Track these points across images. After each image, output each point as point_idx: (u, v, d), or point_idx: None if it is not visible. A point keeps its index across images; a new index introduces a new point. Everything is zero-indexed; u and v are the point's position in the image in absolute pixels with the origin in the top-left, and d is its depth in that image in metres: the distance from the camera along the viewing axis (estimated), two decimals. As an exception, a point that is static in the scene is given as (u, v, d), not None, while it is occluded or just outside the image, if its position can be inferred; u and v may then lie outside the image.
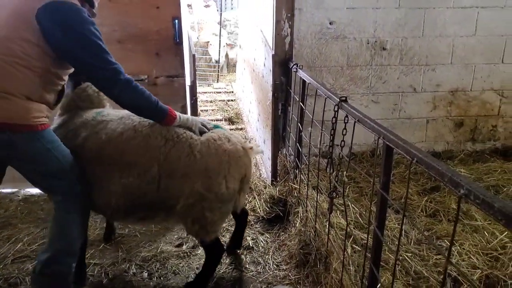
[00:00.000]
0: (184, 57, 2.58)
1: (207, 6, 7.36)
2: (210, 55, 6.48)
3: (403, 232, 2.03)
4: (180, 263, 1.97)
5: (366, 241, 1.35)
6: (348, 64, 2.71)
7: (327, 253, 1.70)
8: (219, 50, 6.47)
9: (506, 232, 1.93)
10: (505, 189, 2.43)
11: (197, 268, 1.93)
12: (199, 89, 5.45)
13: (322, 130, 1.80)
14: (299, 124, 2.25)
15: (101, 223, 2.30)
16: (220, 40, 6.42)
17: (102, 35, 1.45)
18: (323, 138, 1.86)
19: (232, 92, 5.63)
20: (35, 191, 2.66)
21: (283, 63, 2.53)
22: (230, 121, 4.38)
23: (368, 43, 2.68)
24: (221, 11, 6.85)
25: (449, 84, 2.85)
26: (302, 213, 2.05)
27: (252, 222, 2.33)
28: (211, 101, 5.13)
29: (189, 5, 7.06)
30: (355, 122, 1.39)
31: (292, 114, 2.46)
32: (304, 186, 2.11)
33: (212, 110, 4.82)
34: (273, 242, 2.15)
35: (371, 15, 2.62)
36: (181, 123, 1.60)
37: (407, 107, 2.87)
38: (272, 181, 2.65)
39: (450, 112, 2.93)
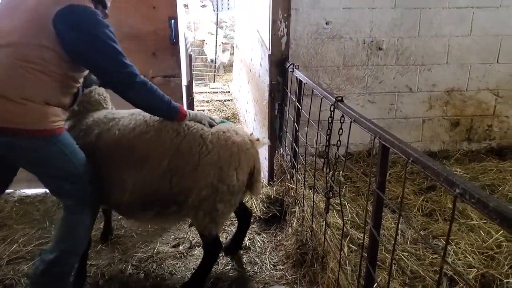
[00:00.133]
0: (181, 57, 2.57)
1: (203, 6, 7.35)
2: (205, 55, 6.48)
3: (399, 231, 2.03)
4: (177, 264, 1.97)
5: (362, 241, 1.35)
6: (344, 64, 2.71)
7: (324, 253, 1.70)
8: (216, 50, 6.46)
9: (502, 231, 1.94)
10: (500, 188, 2.44)
11: (193, 269, 1.92)
12: (195, 89, 5.45)
13: (318, 130, 1.80)
14: (295, 124, 2.25)
15: (97, 223, 2.29)
16: (216, 40, 6.41)
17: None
18: (319, 138, 1.86)
19: (229, 92, 5.63)
20: (31, 192, 2.64)
21: (279, 63, 2.53)
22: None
23: (364, 43, 2.69)
24: (217, 11, 6.84)
25: (445, 84, 2.86)
26: (299, 213, 2.05)
27: (249, 222, 2.33)
28: (207, 101, 5.12)
29: (185, 5, 7.04)
30: (351, 122, 1.39)
31: (288, 114, 2.46)
32: (301, 186, 2.11)
33: (209, 110, 4.81)
34: (270, 242, 2.14)
35: (367, 15, 2.63)
36: (191, 119, 1.64)
37: (403, 107, 2.88)
38: (268, 181, 2.64)
39: (446, 112, 2.94)
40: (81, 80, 1.55)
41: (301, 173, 2.16)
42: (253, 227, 2.28)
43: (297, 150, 2.27)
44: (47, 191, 2.58)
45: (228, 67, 7.07)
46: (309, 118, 1.99)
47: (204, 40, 6.44)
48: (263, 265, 1.96)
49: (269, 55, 2.55)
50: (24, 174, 2.58)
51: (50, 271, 1.47)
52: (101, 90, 1.85)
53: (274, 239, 2.15)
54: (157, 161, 1.56)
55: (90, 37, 1.37)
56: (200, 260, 1.97)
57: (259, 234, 2.22)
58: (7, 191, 2.59)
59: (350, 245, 1.88)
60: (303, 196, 2.04)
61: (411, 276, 1.73)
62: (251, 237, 2.18)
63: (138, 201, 1.62)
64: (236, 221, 2.24)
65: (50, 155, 1.43)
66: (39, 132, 1.38)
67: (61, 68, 1.40)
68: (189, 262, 1.98)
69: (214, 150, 1.55)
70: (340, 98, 1.53)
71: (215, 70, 6.50)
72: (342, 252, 1.50)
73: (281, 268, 1.93)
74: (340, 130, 1.46)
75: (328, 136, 1.59)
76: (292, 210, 2.14)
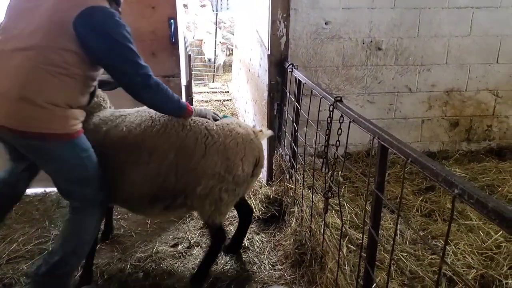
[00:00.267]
0: (180, 57, 2.57)
1: (202, 5, 7.36)
2: (204, 54, 6.47)
3: (398, 232, 2.03)
4: (176, 263, 1.96)
5: (361, 241, 1.34)
6: (343, 64, 2.71)
7: (323, 253, 1.70)
8: (215, 50, 6.46)
9: (501, 232, 1.94)
10: (500, 189, 2.44)
11: (192, 268, 1.92)
12: (194, 89, 5.44)
13: (317, 130, 1.79)
14: (294, 124, 2.24)
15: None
16: (215, 40, 6.40)
17: None
18: (318, 138, 1.86)
19: (228, 92, 5.62)
20: (30, 191, 2.63)
21: (278, 63, 2.53)
22: (226, 121, 4.37)
23: (363, 43, 2.68)
24: (216, 11, 6.84)
25: (444, 84, 2.86)
26: (298, 213, 2.04)
27: (248, 222, 2.32)
28: (207, 101, 5.12)
29: (185, 5, 7.04)
30: (350, 122, 1.39)
31: (287, 114, 2.45)
32: (300, 186, 2.11)
33: (208, 110, 4.80)
34: (269, 242, 2.14)
35: (366, 15, 2.62)
36: (196, 114, 1.68)
37: (403, 107, 2.88)
38: (267, 181, 2.64)
39: (445, 112, 2.94)
40: (98, 78, 1.57)
41: (300, 173, 2.16)
42: (252, 227, 2.27)
43: (296, 150, 2.27)
44: (47, 190, 2.60)
45: (227, 67, 7.07)
46: (308, 118, 1.98)
47: (202, 40, 6.44)
48: (261, 265, 1.95)
49: (268, 55, 2.54)
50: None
51: (53, 272, 1.48)
52: (99, 92, 1.86)
53: (273, 239, 2.15)
54: (163, 154, 1.59)
55: (109, 38, 1.37)
56: (198, 259, 1.98)
57: (258, 234, 2.22)
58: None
59: (349, 245, 1.88)
60: (302, 196, 2.04)
61: (410, 276, 1.73)
62: (249, 237, 2.18)
63: (147, 195, 1.65)
64: (236, 221, 2.25)
65: (66, 158, 1.44)
66: (60, 136, 1.40)
67: (82, 69, 1.41)
68: (188, 262, 1.98)
69: (220, 141, 1.60)
70: (339, 98, 1.52)
71: (214, 70, 6.50)
72: (340, 252, 1.50)
73: (279, 268, 1.93)
74: (339, 130, 1.46)
75: (327, 136, 1.59)
76: (291, 210, 2.13)
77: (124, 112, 1.75)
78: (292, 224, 2.03)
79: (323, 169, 1.67)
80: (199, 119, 1.66)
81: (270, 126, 2.57)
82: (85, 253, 1.61)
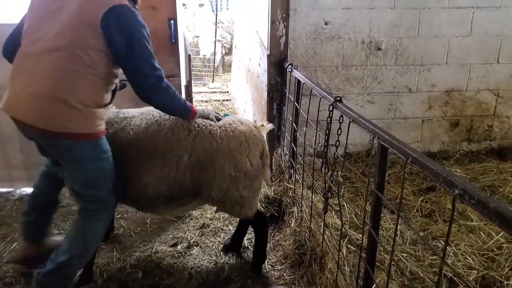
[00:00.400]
0: (180, 57, 2.56)
1: (201, 5, 7.36)
2: (202, 52, 6.47)
3: (398, 232, 2.02)
4: (175, 263, 1.96)
5: (361, 242, 1.34)
6: (343, 64, 2.70)
7: (322, 253, 1.69)
8: (214, 51, 6.46)
9: (502, 233, 1.93)
10: (501, 189, 2.43)
11: (191, 268, 1.92)
12: (194, 89, 5.43)
13: (317, 130, 1.79)
14: (293, 124, 2.24)
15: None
16: (215, 41, 6.40)
17: None
18: (318, 138, 1.85)
19: (227, 92, 5.62)
20: (31, 190, 2.62)
21: (278, 63, 2.52)
22: (226, 121, 4.37)
23: (363, 43, 2.68)
24: (216, 11, 6.84)
25: (444, 84, 2.86)
26: (297, 213, 2.03)
27: (247, 223, 2.32)
28: (206, 101, 5.11)
29: (184, 4, 7.05)
30: (350, 122, 1.38)
31: (287, 113, 2.45)
32: (299, 186, 2.10)
33: (208, 110, 4.79)
34: (268, 242, 2.13)
35: (366, 16, 2.62)
36: (199, 115, 1.69)
37: (403, 107, 2.87)
38: (267, 181, 2.63)
39: (446, 112, 2.93)
40: (119, 75, 1.58)
41: (300, 173, 2.15)
42: (251, 227, 2.26)
43: (295, 150, 2.26)
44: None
45: (226, 67, 7.07)
46: (307, 118, 1.98)
47: (198, 36, 6.45)
48: (261, 266, 1.94)
49: (267, 55, 2.54)
50: (23, 173, 2.60)
51: (59, 272, 1.48)
52: None
53: (272, 240, 2.14)
54: (177, 157, 1.62)
55: (130, 37, 1.39)
56: (198, 259, 1.98)
57: (258, 235, 2.21)
58: (8, 189, 2.62)
59: (349, 245, 1.87)
60: (301, 196, 2.03)
61: (410, 277, 1.72)
62: (249, 237, 2.17)
63: (163, 194, 1.67)
64: (235, 221, 2.24)
65: (88, 158, 1.46)
66: (87, 135, 1.42)
67: (107, 67, 1.44)
68: (187, 262, 1.97)
69: (224, 144, 1.64)
70: (339, 98, 1.52)
71: (213, 70, 6.50)
72: (340, 253, 1.49)
73: (279, 268, 1.92)
74: (339, 130, 1.45)
75: (326, 136, 1.58)
76: (291, 210, 2.12)
77: (128, 113, 1.75)
78: (292, 224, 2.02)
79: (323, 169, 1.66)
80: (202, 122, 1.68)
81: (270, 126, 2.56)
82: (90, 256, 1.63)
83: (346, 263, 1.65)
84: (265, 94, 2.60)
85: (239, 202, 1.70)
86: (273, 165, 2.59)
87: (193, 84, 3.13)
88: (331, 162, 1.64)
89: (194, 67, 6.23)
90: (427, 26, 2.69)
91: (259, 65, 2.92)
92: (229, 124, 1.70)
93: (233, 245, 2.04)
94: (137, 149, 1.63)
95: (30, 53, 1.41)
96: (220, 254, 2.03)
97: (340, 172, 1.58)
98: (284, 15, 2.49)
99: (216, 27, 6.54)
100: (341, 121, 1.45)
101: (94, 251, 1.66)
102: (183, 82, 2.67)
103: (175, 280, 1.83)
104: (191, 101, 2.72)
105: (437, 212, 2.23)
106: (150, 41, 1.45)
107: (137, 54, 1.41)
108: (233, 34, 7.12)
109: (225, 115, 1.82)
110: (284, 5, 2.47)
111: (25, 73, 1.40)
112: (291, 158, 2.36)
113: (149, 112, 1.73)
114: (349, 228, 2.03)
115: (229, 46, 7.24)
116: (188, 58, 2.66)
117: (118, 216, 2.37)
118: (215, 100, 5.14)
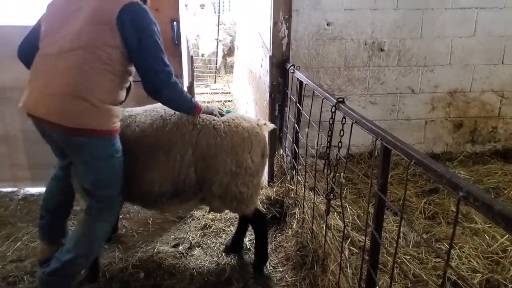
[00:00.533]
0: (183, 58, 2.57)
1: (202, 5, 7.38)
2: (201, 52, 6.49)
3: (401, 234, 2.01)
4: (177, 264, 1.95)
5: (363, 243, 1.33)
6: (345, 65, 2.69)
7: (324, 255, 1.68)
8: (216, 52, 6.47)
9: (507, 236, 1.91)
10: (505, 191, 2.41)
11: (193, 269, 1.91)
12: (196, 90, 5.45)
13: (319, 131, 1.78)
14: (296, 125, 2.23)
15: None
16: (217, 42, 6.41)
17: None
18: (320, 139, 1.84)
19: (229, 93, 5.63)
20: (35, 190, 2.65)
21: (280, 64, 2.52)
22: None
23: (365, 44, 2.67)
24: (219, 12, 6.85)
25: (447, 85, 2.84)
26: (299, 215, 2.02)
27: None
28: (208, 102, 5.12)
29: (185, 5, 7.07)
30: (352, 123, 1.37)
31: (289, 115, 2.44)
32: (301, 187, 2.09)
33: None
34: (270, 243, 2.12)
35: (368, 16, 2.61)
36: (204, 111, 1.73)
37: (405, 108, 2.86)
38: (268, 182, 2.63)
39: (449, 113, 2.91)
40: (133, 73, 1.60)
41: (302, 174, 2.14)
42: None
43: (297, 151, 2.25)
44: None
45: (228, 68, 7.08)
46: (309, 119, 1.97)
47: (198, 35, 6.46)
48: (263, 268, 1.94)
49: (270, 56, 2.54)
50: (28, 173, 2.62)
51: (63, 271, 1.49)
52: None
53: (274, 241, 2.13)
54: (182, 152, 1.64)
55: (143, 33, 1.42)
56: (199, 260, 1.98)
57: (259, 236, 2.20)
58: (12, 189, 2.64)
59: (351, 247, 1.86)
60: (303, 198, 2.02)
61: (413, 280, 1.70)
62: (251, 238, 2.16)
63: (168, 191, 1.68)
64: (236, 221, 2.23)
65: (102, 155, 1.48)
66: (104, 132, 1.45)
67: (123, 65, 1.47)
68: (189, 262, 1.97)
69: (227, 139, 1.67)
70: (341, 99, 1.51)
71: (216, 71, 6.50)
72: (343, 255, 1.48)
73: (280, 270, 1.91)
74: (342, 131, 1.45)
75: (329, 137, 1.57)
76: (292, 211, 2.12)
77: (133, 111, 1.77)
78: (294, 226, 2.01)
79: (325, 170, 1.65)
80: (206, 117, 1.71)
81: (272, 127, 2.56)
82: (95, 255, 1.64)
83: (348, 265, 1.63)
84: (267, 95, 2.60)
85: (237, 197, 1.72)
86: (274, 166, 2.59)
87: (195, 85, 3.14)
88: (333, 163, 1.63)
89: (196, 68, 6.24)
90: (430, 27, 2.68)
91: (261, 66, 2.92)
92: (233, 120, 1.73)
93: (234, 246, 2.03)
94: (143, 146, 1.65)
95: (49, 54, 1.45)
96: (222, 255, 2.03)
97: (342, 174, 1.56)
98: (286, 16, 2.49)
99: (218, 29, 6.55)
100: (343, 122, 1.44)
101: (99, 251, 1.66)
102: (186, 83, 2.68)
103: (176, 281, 1.83)
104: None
105: (441, 214, 2.21)
106: (160, 37, 1.48)
107: (148, 50, 1.44)
108: (233, 36, 7.14)
109: (227, 111, 1.85)
110: (287, 6, 2.46)
111: (45, 73, 1.44)
112: (293, 159, 2.35)
113: (153, 109, 1.75)
114: (351, 230, 2.01)
115: (229, 48, 7.27)
116: (191, 59, 2.66)
117: (120, 217, 2.37)
118: (217, 101, 5.15)
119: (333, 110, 1.53)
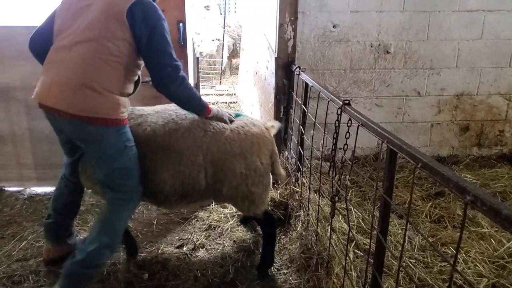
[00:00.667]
0: (188, 59, 2.58)
1: (207, 7, 7.41)
2: (201, 50, 6.50)
3: (406, 238, 1.99)
4: (181, 265, 1.96)
5: (368, 247, 1.32)
6: (351, 67, 2.69)
7: (329, 258, 1.68)
8: (222, 53, 6.49)
9: (513, 240, 1.89)
10: (512, 195, 2.38)
11: (197, 270, 1.91)
12: (201, 91, 5.47)
13: (325, 133, 1.78)
14: (301, 127, 2.23)
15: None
16: (223, 44, 6.44)
17: None
18: (325, 141, 1.84)
19: (234, 94, 5.64)
20: (40, 190, 2.67)
21: (285, 66, 2.52)
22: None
23: (371, 47, 2.66)
24: (224, 14, 6.88)
25: (454, 88, 2.82)
26: (304, 217, 2.02)
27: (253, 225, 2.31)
28: (213, 103, 5.14)
29: (191, 6, 7.10)
30: (358, 125, 1.37)
31: (294, 116, 2.44)
32: (306, 190, 2.09)
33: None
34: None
35: (375, 19, 2.60)
36: (213, 115, 1.72)
37: (411, 111, 2.84)
38: (273, 183, 2.62)
39: (455, 117, 2.89)
40: (141, 67, 1.63)
41: (307, 177, 2.14)
42: (257, 230, 2.26)
43: (302, 153, 2.25)
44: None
45: (234, 70, 7.10)
46: (315, 121, 1.97)
47: (199, 34, 6.49)
48: (267, 269, 1.93)
49: (275, 58, 2.54)
50: (34, 172, 2.65)
51: (88, 261, 1.50)
52: None
53: (278, 243, 2.13)
54: (192, 156, 1.67)
55: (152, 28, 1.46)
56: (204, 261, 1.98)
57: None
58: (18, 188, 2.67)
59: (356, 250, 1.85)
60: (308, 200, 2.02)
61: (419, 284, 1.69)
62: (255, 240, 2.16)
63: (178, 192, 1.71)
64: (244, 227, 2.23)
65: (114, 144, 1.51)
66: (113, 121, 1.48)
67: (132, 58, 1.51)
68: (193, 264, 1.97)
69: (237, 145, 1.69)
70: (347, 101, 1.51)
71: (221, 73, 6.53)
72: (347, 258, 1.48)
73: (284, 272, 1.91)
74: (347, 134, 1.44)
75: (335, 140, 1.57)
76: (297, 214, 2.11)
77: (144, 111, 1.78)
78: (298, 228, 2.01)
79: (330, 172, 1.65)
80: (217, 124, 1.72)
81: (277, 129, 2.56)
82: (116, 247, 1.66)
83: (353, 268, 1.63)
84: (272, 96, 2.60)
85: (248, 197, 1.74)
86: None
87: (200, 86, 3.15)
88: (338, 166, 1.63)
89: (201, 69, 6.27)
90: (436, 29, 2.67)
91: (267, 67, 2.92)
92: (242, 127, 1.75)
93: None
94: (153, 146, 1.66)
95: (62, 46, 1.50)
96: (226, 257, 2.03)
97: (347, 176, 1.56)
98: (292, 18, 2.49)
99: (224, 30, 6.58)
100: (349, 124, 1.44)
101: (121, 239, 1.67)
102: (191, 84, 2.69)
103: (180, 282, 1.83)
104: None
105: (446, 218, 2.19)
106: (169, 33, 1.51)
107: (157, 45, 1.47)
108: (236, 39, 7.17)
109: (237, 115, 1.85)
110: (293, 8, 2.47)
111: (56, 65, 1.49)
112: (298, 161, 2.35)
113: (164, 111, 1.76)
114: (356, 233, 2.01)
115: (232, 50, 7.32)
116: (197, 60, 2.68)
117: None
118: (222, 102, 5.16)
119: (339, 112, 1.53)
